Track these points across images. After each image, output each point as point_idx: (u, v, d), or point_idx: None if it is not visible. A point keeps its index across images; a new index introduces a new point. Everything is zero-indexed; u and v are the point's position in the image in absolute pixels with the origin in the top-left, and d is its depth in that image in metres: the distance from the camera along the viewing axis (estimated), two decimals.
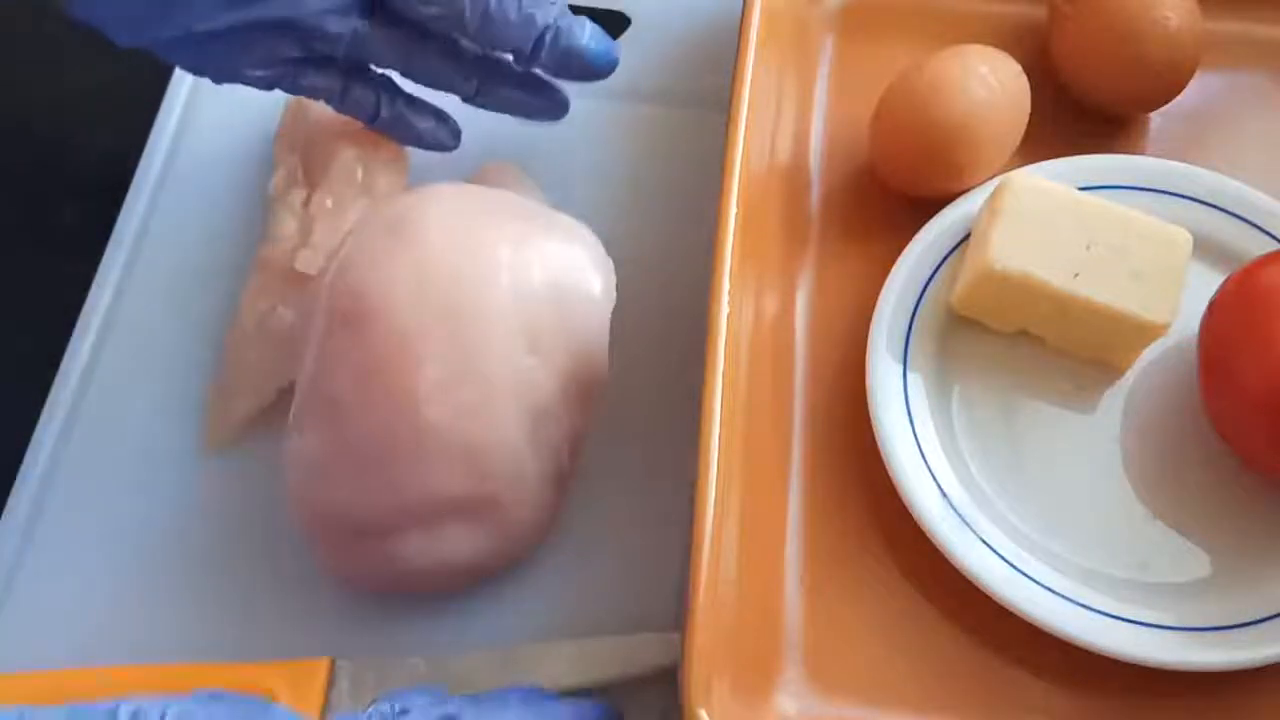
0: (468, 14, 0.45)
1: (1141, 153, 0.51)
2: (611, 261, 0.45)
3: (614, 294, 0.45)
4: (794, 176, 0.51)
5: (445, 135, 0.51)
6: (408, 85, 0.50)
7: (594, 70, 0.48)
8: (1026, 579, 0.42)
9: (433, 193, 0.44)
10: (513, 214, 0.44)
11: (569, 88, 0.50)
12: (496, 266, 0.42)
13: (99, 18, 0.43)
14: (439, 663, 0.42)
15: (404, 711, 0.37)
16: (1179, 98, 0.51)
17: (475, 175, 0.51)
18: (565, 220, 0.46)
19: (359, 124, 0.50)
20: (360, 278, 0.42)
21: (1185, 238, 0.45)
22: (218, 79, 0.47)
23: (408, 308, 0.41)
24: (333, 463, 0.41)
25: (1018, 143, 0.49)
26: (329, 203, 0.49)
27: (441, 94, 0.50)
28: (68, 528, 0.46)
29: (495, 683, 0.41)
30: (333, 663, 0.41)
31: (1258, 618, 0.42)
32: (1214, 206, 0.48)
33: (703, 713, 0.36)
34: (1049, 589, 0.42)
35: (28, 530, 0.46)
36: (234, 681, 0.40)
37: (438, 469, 0.41)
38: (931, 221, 0.48)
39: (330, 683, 0.41)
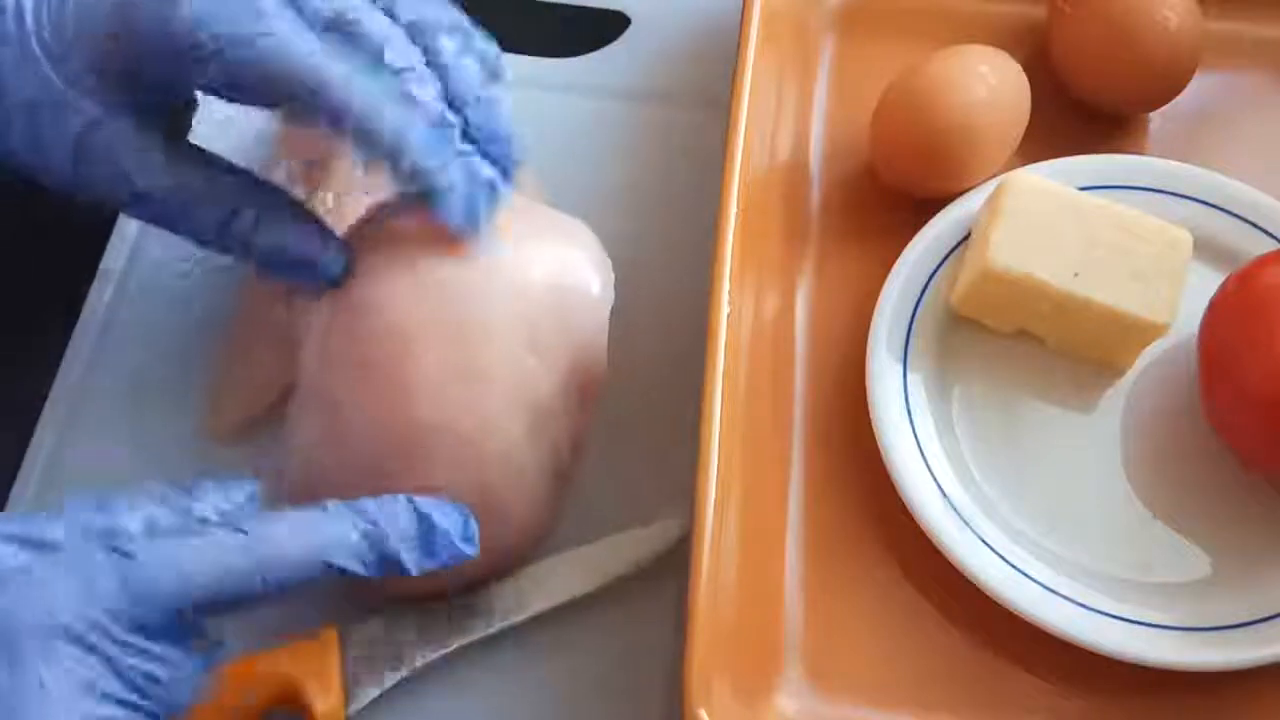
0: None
1: (1141, 153, 0.51)
2: (609, 260, 0.45)
3: (612, 292, 0.45)
4: (794, 176, 0.51)
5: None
6: None
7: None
8: (1026, 579, 0.42)
9: None
10: (510, 213, 0.44)
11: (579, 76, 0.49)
12: (494, 265, 0.42)
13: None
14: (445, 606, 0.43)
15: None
16: (1179, 98, 0.51)
17: None
18: (563, 219, 0.46)
19: None
20: (358, 277, 0.42)
21: (1185, 238, 0.45)
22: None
23: (406, 307, 0.41)
24: (331, 462, 0.41)
25: (1018, 143, 0.49)
26: (329, 203, 0.49)
27: None
28: None
29: (504, 611, 0.43)
30: (340, 631, 0.42)
31: (1258, 618, 0.42)
32: (1214, 206, 0.48)
33: (703, 713, 0.36)
34: (1049, 589, 0.42)
35: None
36: (249, 673, 0.41)
37: (436, 468, 0.41)
38: (931, 221, 0.48)
39: (344, 652, 0.42)
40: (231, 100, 0.42)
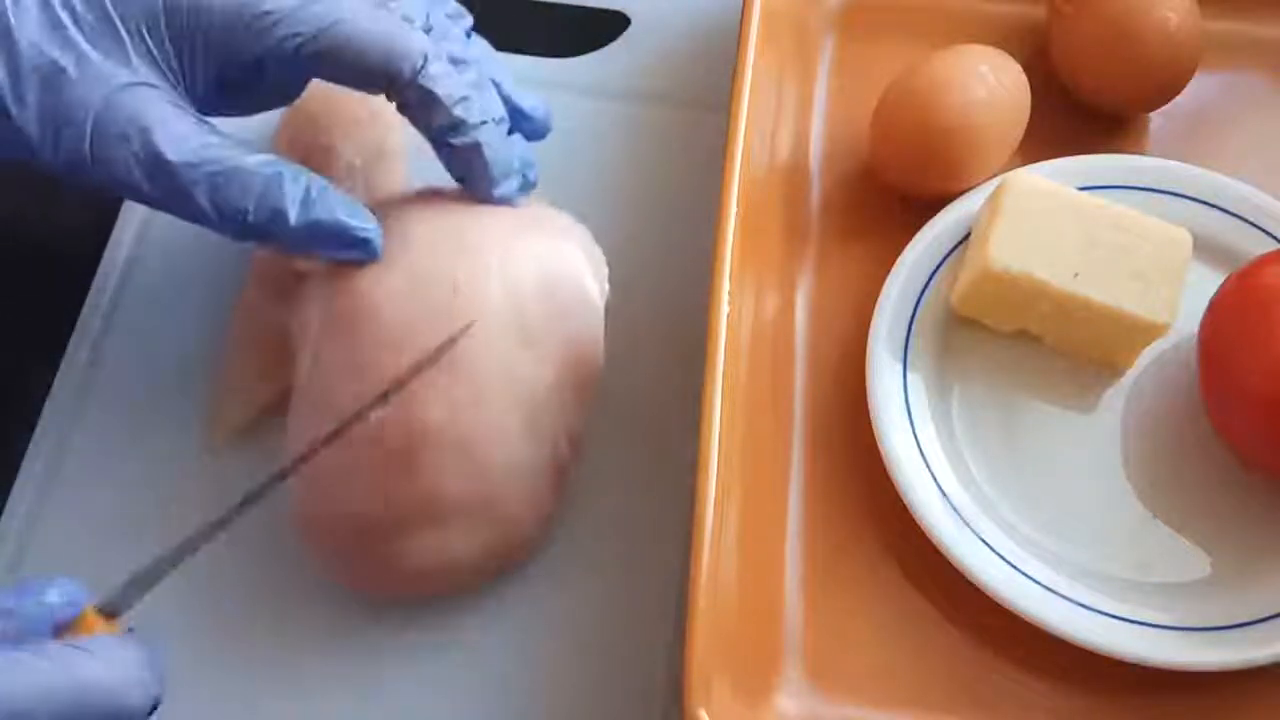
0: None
1: (1141, 153, 0.51)
2: (603, 252, 0.45)
3: (606, 285, 0.45)
4: (794, 176, 0.51)
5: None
6: None
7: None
8: (1026, 579, 0.42)
9: (420, 194, 0.45)
10: (500, 211, 0.44)
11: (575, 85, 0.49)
12: (485, 262, 0.42)
13: None
14: None
15: None
16: (1179, 98, 0.51)
17: None
18: (554, 215, 0.45)
19: (359, 123, 0.50)
20: (350, 279, 0.42)
21: (1185, 238, 0.45)
22: None
23: (398, 307, 0.41)
24: (329, 466, 0.41)
25: (1018, 143, 0.49)
26: None
27: None
28: (68, 527, 0.46)
29: None
30: None
31: (1258, 618, 0.42)
32: (1214, 206, 0.48)
33: (702, 713, 0.36)
34: (1049, 589, 0.42)
35: (29, 530, 0.46)
36: None
37: (434, 467, 0.41)
38: (931, 221, 0.48)
39: None
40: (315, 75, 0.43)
